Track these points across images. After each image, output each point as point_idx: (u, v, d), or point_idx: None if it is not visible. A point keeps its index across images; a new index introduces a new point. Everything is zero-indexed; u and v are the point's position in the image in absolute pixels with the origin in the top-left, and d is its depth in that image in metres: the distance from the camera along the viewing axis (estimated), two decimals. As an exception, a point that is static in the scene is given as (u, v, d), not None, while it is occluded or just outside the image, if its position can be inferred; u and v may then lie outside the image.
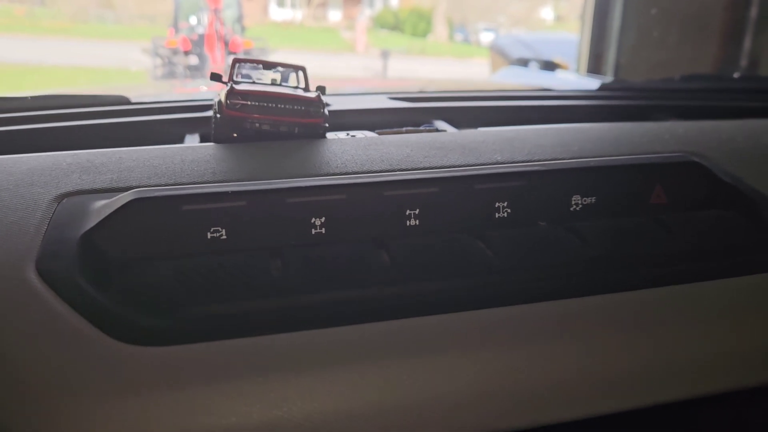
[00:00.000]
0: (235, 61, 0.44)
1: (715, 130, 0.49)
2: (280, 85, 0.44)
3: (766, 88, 0.83)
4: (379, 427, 0.26)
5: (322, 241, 0.32)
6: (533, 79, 1.98)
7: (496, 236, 0.32)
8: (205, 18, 7.44)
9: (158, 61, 7.53)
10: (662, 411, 0.30)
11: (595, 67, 2.59)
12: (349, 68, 10.87)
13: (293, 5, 18.93)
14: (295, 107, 0.41)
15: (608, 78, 1.85)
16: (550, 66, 2.02)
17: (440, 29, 19.08)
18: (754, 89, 0.82)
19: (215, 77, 0.43)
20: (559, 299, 0.30)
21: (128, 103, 0.61)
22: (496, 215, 0.34)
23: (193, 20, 7.78)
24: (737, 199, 0.38)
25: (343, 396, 0.26)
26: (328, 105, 0.57)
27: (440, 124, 0.55)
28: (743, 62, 2.10)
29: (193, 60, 7.39)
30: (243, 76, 0.46)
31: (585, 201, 0.35)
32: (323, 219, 0.32)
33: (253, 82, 0.44)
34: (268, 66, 0.45)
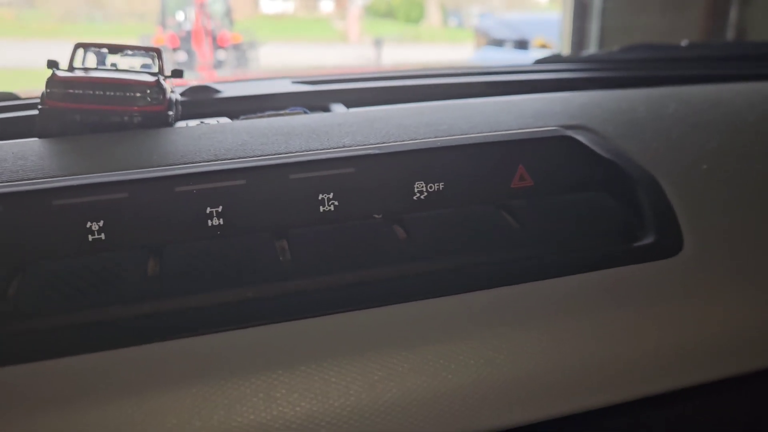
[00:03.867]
0: (77, 45, 0.40)
1: (618, 99, 0.45)
2: (127, 71, 0.40)
3: (715, 56, 0.79)
4: None
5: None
6: (505, 58, 1.95)
7: (299, 234, 0.29)
8: (193, 13, 7.38)
9: (147, 59, 7.47)
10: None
11: (578, 43, 2.54)
12: (342, 58, 10.79)
13: (284, -3, 18.79)
14: (128, 94, 0.37)
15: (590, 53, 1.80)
16: (523, 45, 1.99)
17: (434, 15, 18.90)
18: (703, 57, 0.78)
19: (52, 65, 0.39)
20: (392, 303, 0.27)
21: (16, 98, 0.58)
22: (321, 209, 0.30)
23: (180, 16, 7.71)
24: (616, 179, 0.34)
25: (222, 412, 0.23)
26: (212, 93, 0.52)
27: (337, 107, 0.52)
28: (730, 33, 2.05)
29: (182, 56, 7.33)
30: (98, 63, 0.42)
31: (431, 188, 0.31)
32: (101, 223, 0.28)
33: (101, 70, 0.40)
34: (115, 50, 0.41)
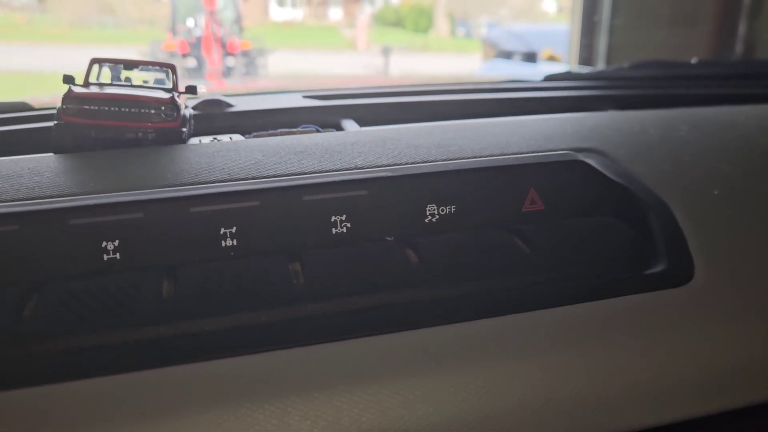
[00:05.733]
0: (93, 61, 0.40)
1: (629, 120, 0.45)
2: (141, 86, 0.41)
3: (725, 74, 0.79)
4: None
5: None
6: (514, 70, 1.95)
7: (312, 257, 0.29)
8: (203, 20, 7.44)
9: (156, 64, 7.53)
10: None
11: (586, 56, 2.55)
12: (350, 66, 10.85)
13: (294, 4, 18.91)
14: (143, 111, 0.37)
15: (598, 68, 1.80)
16: (531, 57, 1.99)
17: (442, 24, 18.99)
18: (713, 75, 0.78)
19: (68, 80, 0.39)
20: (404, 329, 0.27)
21: (30, 109, 0.58)
22: (333, 230, 0.30)
23: (190, 23, 7.77)
24: (627, 203, 0.34)
25: None
26: (224, 107, 0.53)
27: (349, 123, 0.52)
28: (738, 48, 2.05)
29: (191, 63, 7.38)
30: (113, 78, 0.43)
31: (443, 211, 0.31)
32: (116, 243, 0.29)
33: (116, 85, 0.41)
34: (130, 65, 0.41)
